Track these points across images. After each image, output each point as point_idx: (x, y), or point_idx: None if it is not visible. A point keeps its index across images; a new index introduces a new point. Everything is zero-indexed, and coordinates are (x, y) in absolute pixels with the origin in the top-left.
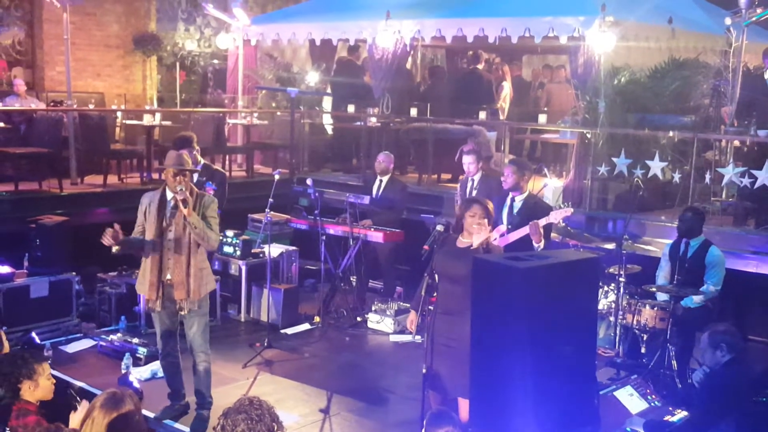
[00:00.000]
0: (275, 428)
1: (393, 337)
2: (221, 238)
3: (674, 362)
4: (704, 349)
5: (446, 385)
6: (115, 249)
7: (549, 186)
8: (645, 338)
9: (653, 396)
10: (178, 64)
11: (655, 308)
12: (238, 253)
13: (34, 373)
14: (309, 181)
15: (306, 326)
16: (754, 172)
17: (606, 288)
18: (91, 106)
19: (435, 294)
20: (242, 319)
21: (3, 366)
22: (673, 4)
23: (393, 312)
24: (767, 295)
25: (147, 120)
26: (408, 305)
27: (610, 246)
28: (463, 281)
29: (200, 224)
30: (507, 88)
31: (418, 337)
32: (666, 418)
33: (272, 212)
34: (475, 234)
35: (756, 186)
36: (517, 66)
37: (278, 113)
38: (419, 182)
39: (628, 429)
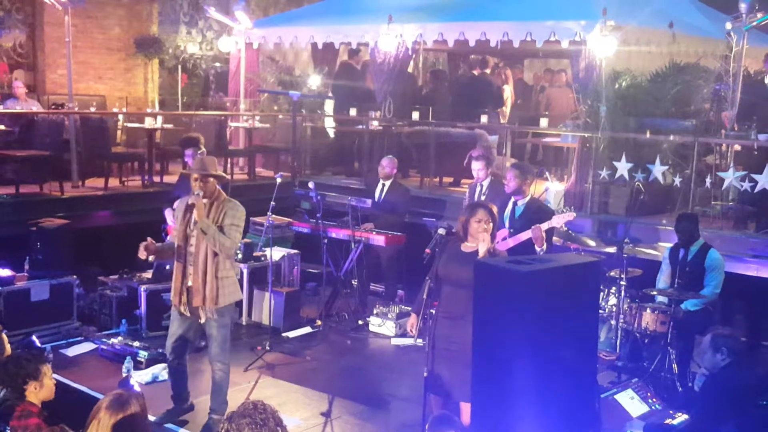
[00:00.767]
0: None
1: (394, 340)
2: None
3: (675, 365)
4: (704, 351)
5: (448, 388)
6: (150, 258)
7: (550, 190)
8: (646, 341)
9: (654, 399)
10: (179, 67)
11: (656, 312)
12: (240, 256)
13: (39, 374)
14: (311, 185)
15: (307, 329)
16: (755, 176)
17: (607, 291)
18: (93, 109)
19: (437, 297)
20: (244, 323)
21: (8, 367)
22: (673, 9)
23: (394, 315)
24: (767, 299)
25: (148, 123)
26: (409, 308)
27: (611, 250)
28: (467, 286)
29: (210, 229)
30: (508, 92)
31: (419, 341)
32: (667, 422)
33: (274, 215)
34: (481, 242)
35: (756, 190)
36: (519, 69)
37: (280, 116)
38: (421, 186)
39: None
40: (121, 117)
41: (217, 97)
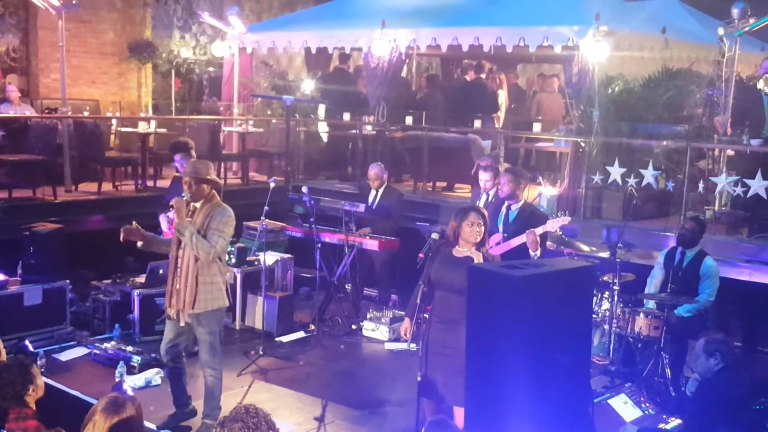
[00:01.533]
0: None
1: (388, 345)
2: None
3: (668, 370)
4: (697, 355)
5: (442, 393)
6: (139, 244)
7: (543, 194)
8: (639, 346)
9: (647, 404)
10: (173, 72)
11: (649, 316)
12: (233, 260)
13: (33, 377)
14: (304, 189)
15: (301, 334)
16: (747, 181)
17: (600, 296)
18: (86, 114)
19: (430, 302)
20: (237, 327)
21: (4, 377)
22: (666, 14)
23: (388, 320)
24: (760, 303)
25: (142, 127)
26: (403, 313)
27: (605, 254)
28: (460, 290)
29: (187, 232)
30: (502, 96)
31: (413, 345)
32: (660, 426)
33: (267, 220)
34: (474, 250)
35: (749, 195)
36: (514, 74)
37: (273, 121)
38: (414, 190)
39: None
40: (114, 121)
41: (210, 101)
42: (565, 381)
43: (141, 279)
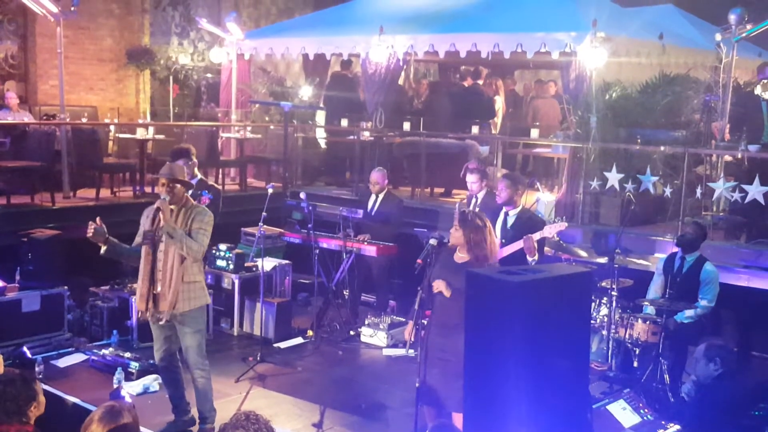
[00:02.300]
0: None
1: (386, 350)
2: (214, 251)
3: (667, 376)
4: (698, 360)
5: (441, 398)
6: (102, 249)
7: (541, 200)
8: (637, 352)
9: (646, 410)
10: (171, 78)
11: (648, 322)
12: (231, 266)
13: (36, 394)
14: (302, 195)
15: (299, 340)
16: (745, 186)
17: (599, 302)
18: (84, 120)
19: (429, 308)
20: (235, 333)
21: (7, 390)
22: (663, 20)
23: (386, 326)
24: (759, 309)
25: (140, 133)
26: (401, 319)
27: (603, 260)
28: (458, 296)
29: (177, 233)
30: (499, 103)
31: (411, 351)
32: None
33: (265, 226)
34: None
35: (747, 201)
36: (512, 80)
37: (271, 127)
38: (412, 196)
39: None
40: (112, 128)
41: (208, 107)
42: (563, 387)
43: None
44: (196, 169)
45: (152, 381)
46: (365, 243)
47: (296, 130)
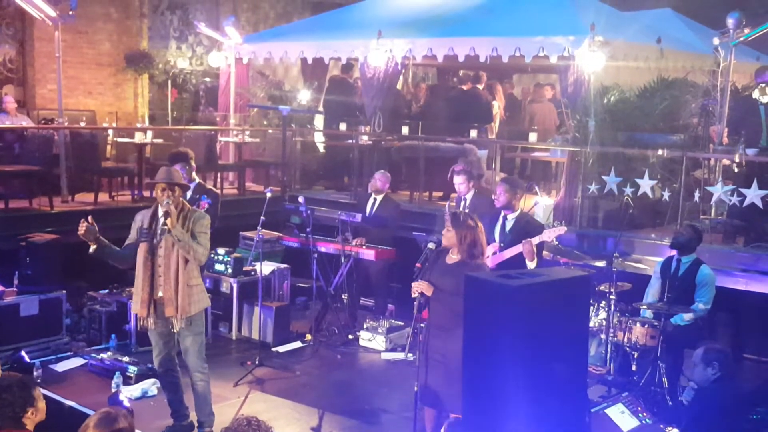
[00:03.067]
0: None
1: (385, 354)
2: (213, 255)
3: (665, 379)
4: (695, 364)
5: (441, 399)
6: (92, 248)
7: (540, 204)
8: (636, 356)
9: (644, 413)
10: (169, 82)
11: (646, 326)
12: (230, 270)
13: (35, 400)
14: (301, 199)
15: (297, 344)
16: (743, 190)
17: (597, 305)
18: (83, 124)
19: (427, 310)
20: (234, 337)
21: (3, 396)
22: (661, 25)
23: (385, 330)
24: (756, 313)
25: (138, 138)
26: (400, 323)
27: (601, 264)
28: (451, 297)
29: (184, 237)
30: (497, 107)
31: (410, 355)
32: None
33: (264, 230)
34: (464, 258)
35: (745, 204)
36: (510, 84)
37: (270, 131)
38: (411, 200)
39: None
40: (111, 132)
41: (207, 111)
42: (561, 390)
43: None
44: (194, 174)
45: (151, 385)
46: (362, 246)
47: (295, 134)
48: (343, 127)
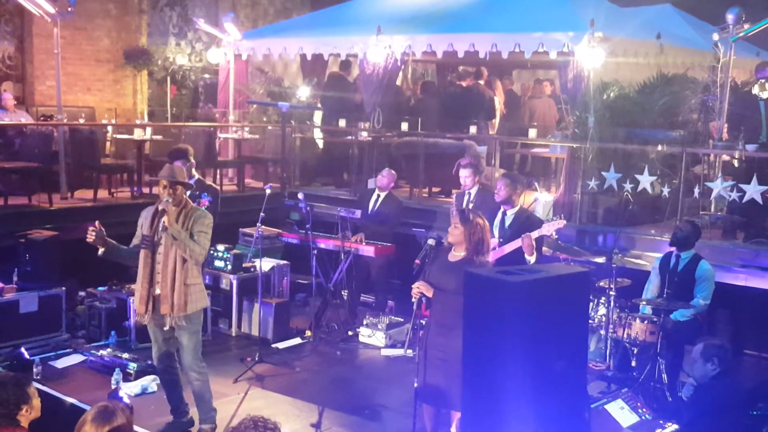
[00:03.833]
0: None
1: (384, 351)
2: (212, 252)
3: (664, 375)
4: (695, 360)
5: (441, 396)
6: (100, 251)
7: (539, 200)
8: (635, 351)
9: (644, 409)
10: (168, 79)
11: (645, 321)
12: (229, 267)
13: (29, 397)
14: (300, 196)
15: (297, 340)
16: (743, 186)
17: (596, 301)
18: (82, 121)
19: (427, 307)
20: (233, 334)
21: None
22: (661, 20)
23: (384, 326)
24: (756, 309)
25: (137, 134)
26: (400, 319)
27: (601, 260)
28: (453, 294)
29: (181, 236)
30: (497, 103)
31: (409, 351)
32: None
33: (263, 226)
34: (467, 254)
35: (744, 200)
36: (510, 81)
37: (269, 127)
38: (410, 196)
39: None
40: (110, 128)
41: (206, 108)
42: (561, 386)
43: None
44: (194, 170)
45: (150, 382)
46: (362, 243)
47: (294, 131)
48: (342, 123)
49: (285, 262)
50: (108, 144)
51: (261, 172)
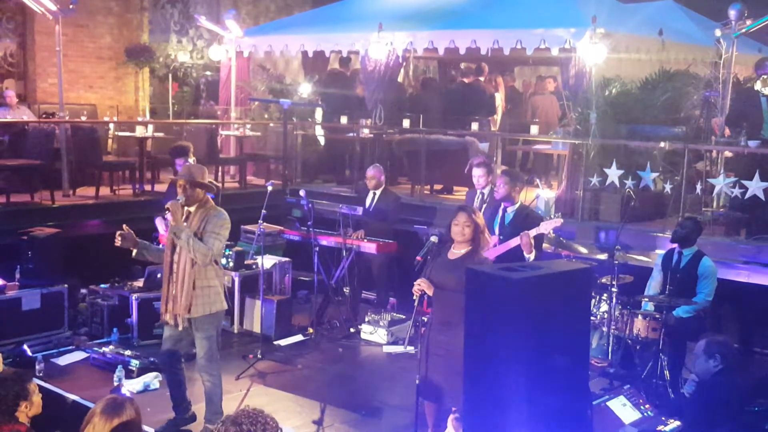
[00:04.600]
0: None
1: (386, 348)
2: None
3: (667, 372)
4: (697, 356)
5: (442, 394)
6: (134, 253)
7: (541, 197)
8: (638, 348)
9: (646, 406)
10: (170, 76)
11: (647, 318)
12: (231, 264)
13: (29, 394)
14: (302, 192)
15: (299, 337)
16: (745, 182)
17: (598, 298)
18: (83, 118)
19: (429, 304)
20: (235, 331)
21: None
22: (663, 16)
23: (386, 323)
24: (759, 305)
25: (139, 131)
26: (401, 316)
27: (603, 256)
28: (455, 292)
29: (183, 234)
30: (498, 99)
31: (411, 348)
32: (659, 429)
33: (265, 223)
34: (468, 251)
35: (747, 196)
36: (511, 77)
37: (271, 125)
38: (412, 193)
39: None
40: (111, 126)
41: (207, 105)
42: (563, 383)
43: (139, 283)
44: None
45: (153, 378)
46: (363, 240)
47: (295, 128)
48: (344, 120)
49: (287, 259)
50: (110, 141)
51: (263, 169)
